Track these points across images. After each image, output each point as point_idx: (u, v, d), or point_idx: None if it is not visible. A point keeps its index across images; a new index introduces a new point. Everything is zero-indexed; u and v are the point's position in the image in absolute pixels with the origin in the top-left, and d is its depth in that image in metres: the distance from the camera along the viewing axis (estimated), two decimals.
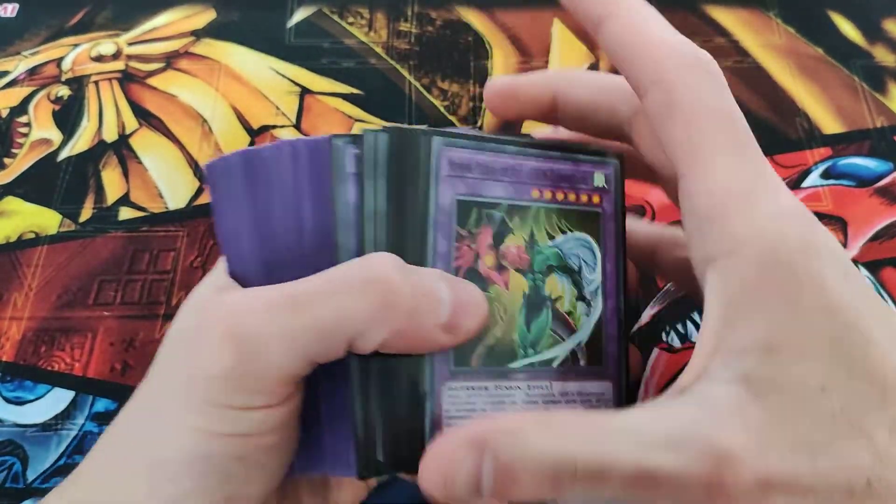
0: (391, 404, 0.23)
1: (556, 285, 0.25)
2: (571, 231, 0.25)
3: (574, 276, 0.25)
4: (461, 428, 0.20)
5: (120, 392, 0.33)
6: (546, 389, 0.24)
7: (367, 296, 0.21)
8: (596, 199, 0.25)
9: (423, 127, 0.24)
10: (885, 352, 0.19)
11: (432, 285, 0.22)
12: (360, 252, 0.23)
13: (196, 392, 0.21)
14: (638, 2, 0.23)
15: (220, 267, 0.25)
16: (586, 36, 0.45)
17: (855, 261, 0.37)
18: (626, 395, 0.25)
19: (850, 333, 0.19)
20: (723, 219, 0.20)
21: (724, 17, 0.47)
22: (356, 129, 0.41)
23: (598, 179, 0.25)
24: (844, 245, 0.37)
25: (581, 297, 0.25)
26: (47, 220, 0.38)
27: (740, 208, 0.20)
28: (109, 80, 0.43)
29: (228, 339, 0.21)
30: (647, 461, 0.19)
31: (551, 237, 0.25)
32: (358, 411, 0.23)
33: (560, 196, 0.25)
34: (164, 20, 0.46)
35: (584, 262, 0.25)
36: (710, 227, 0.20)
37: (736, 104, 0.22)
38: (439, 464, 0.20)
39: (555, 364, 0.24)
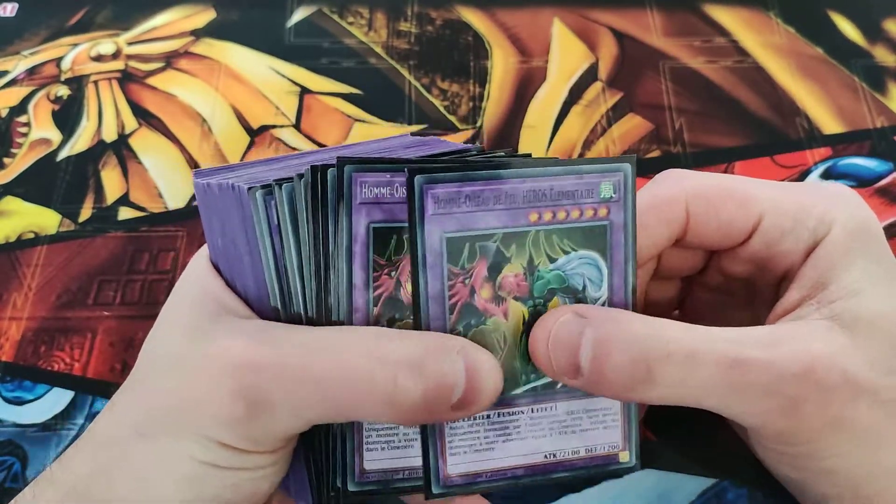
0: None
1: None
2: (575, 250, 0.24)
3: (578, 295, 0.24)
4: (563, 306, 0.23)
5: None
6: (551, 411, 0.24)
7: (382, 410, 0.21)
8: (603, 211, 0.24)
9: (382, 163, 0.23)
10: None
11: (448, 374, 0.21)
12: (288, 299, 0.23)
13: (196, 426, 0.21)
14: None
15: (205, 259, 0.26)
16: (586, 36, 0.45)
17: None
18: (636, 408, 0.25)
19: None
20: (815, 209, 0.25)
21: (725, 16, 0.47)
22: (353, 132, 0.41)
23: (606, 190, 0.24)
24: None
25: None
26: (47, 219, 0.38)
27: (825, 202, 0.25)
28: (109, 79, 0.43)
29: (239, 397, 0.21)
30: (740, 351, 0.22)
31: (552, 259, 0.23)
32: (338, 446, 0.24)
33: (562, 215, 0.23)
34: (163, 20, 0.46)
35: (589, 280, 0.24)
36: (807, 219, 0.24)
37: None
38: (546, 325, 0.23)
39: (559, 386, 0.24)
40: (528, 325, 0.23)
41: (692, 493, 0.30)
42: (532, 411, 0.24)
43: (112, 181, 0.39)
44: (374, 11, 0.47)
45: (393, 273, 0.23)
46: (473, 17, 0.46)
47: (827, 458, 0.23)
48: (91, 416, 0.32)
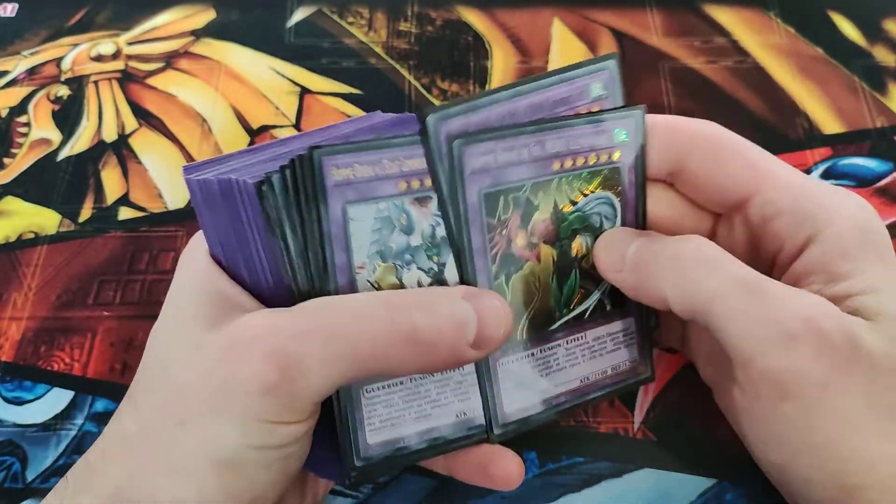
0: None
1: (581, 245, 0.26)
2: (592, 192, 0.26)
3: (596, 233, 0.26)
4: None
5: (120, 392, 0.33)
6: (581, 340, 0.27)
7: (406, 351, 0.22)
8: (616, 155, 0.26)
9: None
10: None
11: (457, 312, 0.22)
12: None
13: (230, 404, 0.21)
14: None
15: (202, 252, 0.26)
16: (586, 36, 0.45)
17: None
18: (647, 325, 0.28)
19: None
20: (819, 198, 0.25)
21: (725, 16, 0.47)
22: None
23: (620, 135, 0.26)
24: None
25: None
26: (47, 219, 0.38)
27: (829, 195, 0.25)
28: (109, 79, 0.43)
29: (270, 364, 0.21)
30: (761, 279, 0.23)
31: (573, 203, 0.26)
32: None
33: (581, 161, 0.26)
34: (163, 20, 0.46)
35: (605, 217, 0.26)
36: (809, 204, 0.25)
37: None
38: (610, 236, 0.26)
39: (586, 316, 0.27)
40: (558, 266, 0.26)
41: (692, 493, 0.30)
42: (567, 343, 0.27)
43: (112, 181, 0.39)
44: (374, 11, 0.47)
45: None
46: (473, 17, 0.46)
47: (811, 426, 0.22)
48: (91, 416, 0.32)
